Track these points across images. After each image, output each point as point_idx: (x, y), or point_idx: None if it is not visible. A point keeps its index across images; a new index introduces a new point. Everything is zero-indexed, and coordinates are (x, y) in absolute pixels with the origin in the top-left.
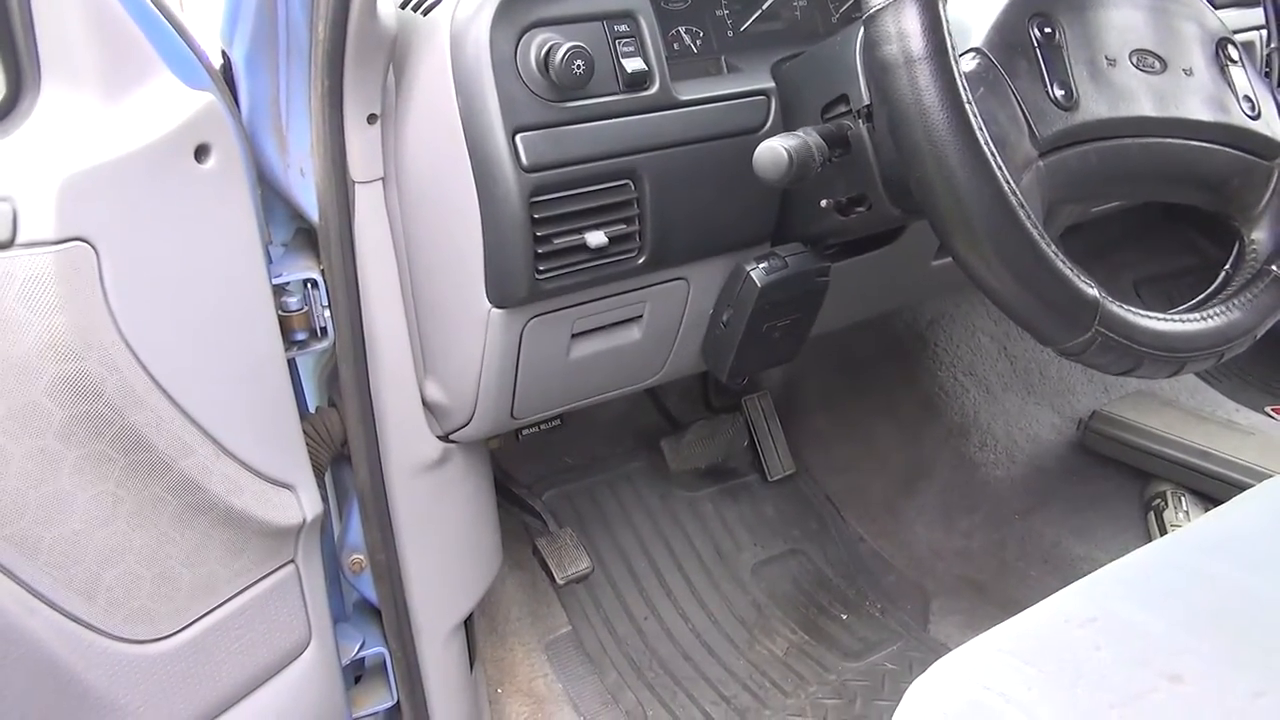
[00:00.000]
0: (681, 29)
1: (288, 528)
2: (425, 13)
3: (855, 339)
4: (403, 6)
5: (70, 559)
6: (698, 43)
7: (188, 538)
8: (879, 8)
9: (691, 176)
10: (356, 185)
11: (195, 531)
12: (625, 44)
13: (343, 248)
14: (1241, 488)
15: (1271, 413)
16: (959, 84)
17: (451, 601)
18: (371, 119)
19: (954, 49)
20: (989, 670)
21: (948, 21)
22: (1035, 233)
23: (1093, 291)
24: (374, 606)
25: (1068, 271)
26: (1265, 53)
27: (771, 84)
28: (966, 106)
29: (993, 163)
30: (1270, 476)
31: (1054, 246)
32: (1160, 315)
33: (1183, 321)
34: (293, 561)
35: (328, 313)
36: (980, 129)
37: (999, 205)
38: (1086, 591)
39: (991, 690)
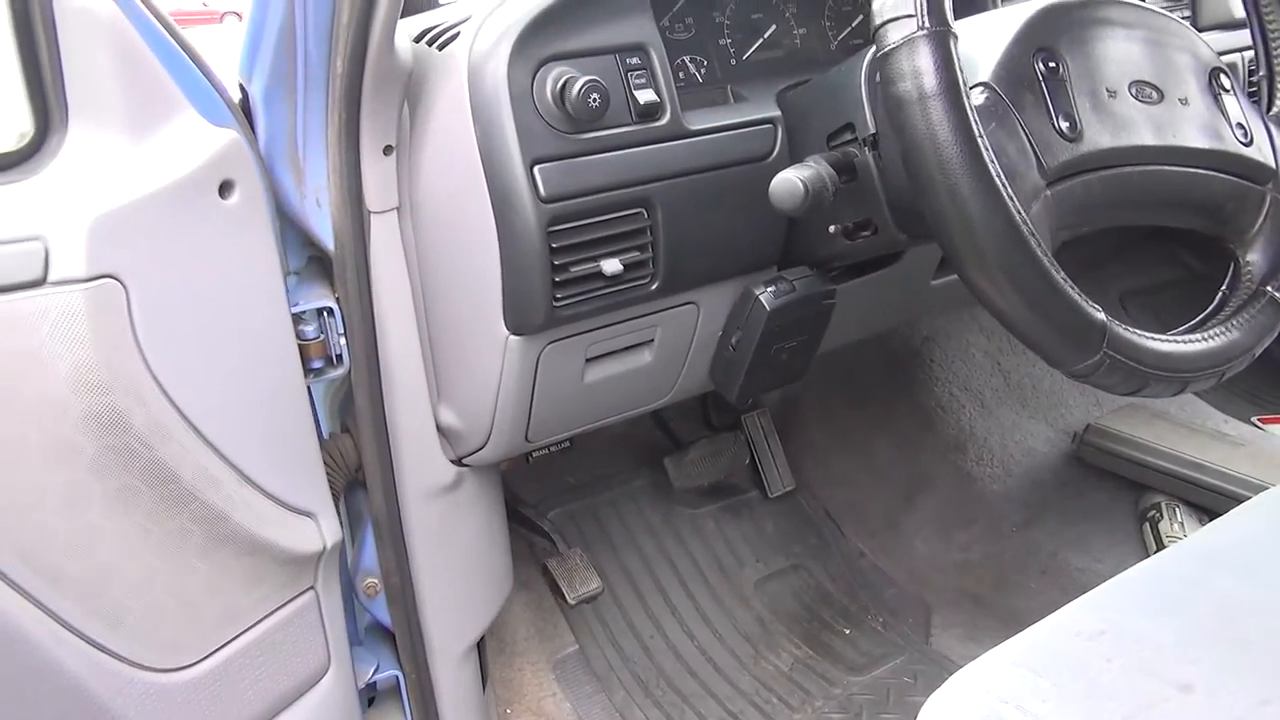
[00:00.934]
0: (687, 58)
1: (309, 555)
2: (441, 47)
3: (852, 356)
4: (417, 40)
5: (98, 589)
6: (702, 71)
7: (212, 567)
8: (894, 46)
9: (702, 204)
10: (372, 215)
11: (219, 561)
12: (637, 76)
13: (359, 276)
14: (1234, 498)
15: (1258, 423)
16: (971, 119)
17: (465, 623)
18: (387, 150)
19: (965, 85)
20: (1004, 683)
21: (959, 59)
22: (1046, 260)
23: (1100, 316)
24: (387, 630)
25: (1077, 297)
26: (1255, 79)
27: (777, 112)
28: (978, 140)
29: (1004, 194)
30: (1262, 486)
31: (1063, 273)
32: (1164, 336)
33: (1185, 342)
34: (313, 588)
35: (343, 340)
36: (992, 161)
37: (1011, 235)
38: (1094, 604)
39: (1008, 703)
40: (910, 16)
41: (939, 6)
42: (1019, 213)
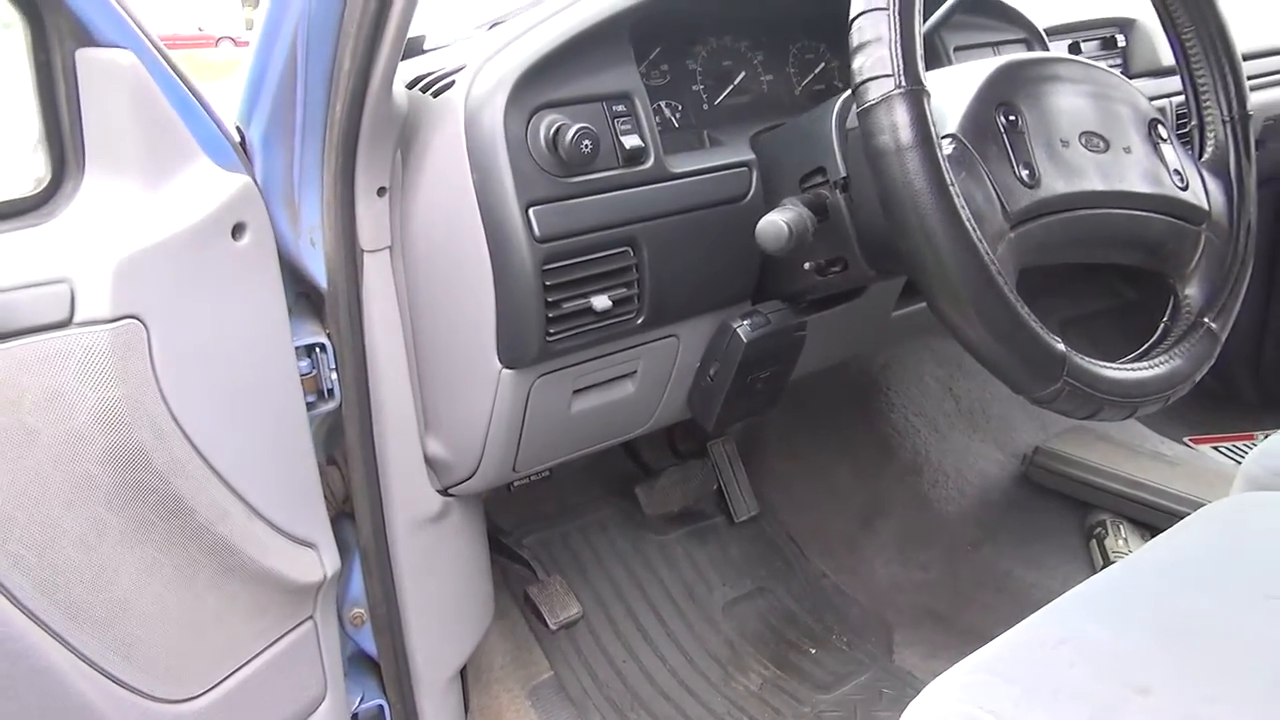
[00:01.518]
0: (663, 103)
1: (310, 585)
2: (436, 94)
3: (813, 384)
4: (410, 87)
5: (114, 622)
6: (678, 116)
7: (219, 598)
8: (874, 102)
9: (684, 242)
10: (365, 254)
11: (227, 592)
12: (623, 123)
13: (351, 313)
14: (1173, 514)
15: (1190, 443)
16: (943, 169)
17: (449, 651)
18: (381, 191)
19: (937, 138)
20: (978, 691)
21: (932, 114)
22: (1011, 297)
23: (1060, 347)
24: (371, 659)
25: (1040, 330)
26: (1187, 128)
27: (751, 155)
28: (950, 188)
29: (973, 236)
30: (1197, 502)
31: (1027, 308)
32: (1116, 365)
33: (1135, 370)
34: (312, 617)
35: (334, 375)
36: (962, 207)
37: (980, 274)
38: (1056, 615)
39: (982, 709)
40: (888, 76)
41: (914, 67)
42: (987, 253)
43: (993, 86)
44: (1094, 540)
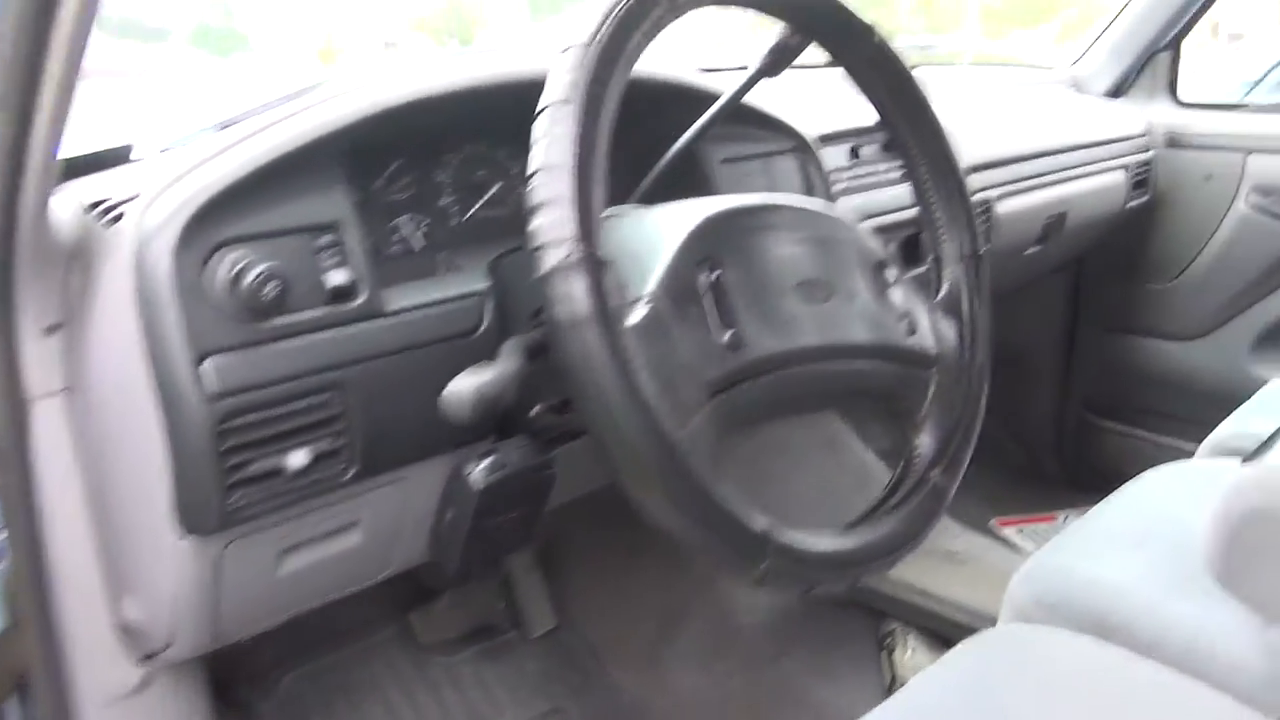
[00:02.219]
0: (405, 218)
1: None
2: (109, 224)
3: (610, 490)
4: (89, 210)
5: None
6: (422, 231)
7: None
8: (549, 270)
9: (403, 384)
10: (33, 400)
11: None
12: (330, 256)
13: (18, 468)
14: (953, 623)
15: (996, 526)
16: (621, 344)
17: None
18: (50, 329)
19: (614, 313)
20: None
21: (616, 281)
22: (705, 478)
23: (761, 524)
24: None
25: (736, 511)
26: (925, 265)
27: (488, 284)
28: (629, 364)
29: (657, 416)
30: (977, 611)
31: (724, 487)
32: (828, 534)
33: (849, 539)
34: None
35: (3, 535)
36: (645, 385)
37: (666, 456)
38: None
39: None
40: (564, 241)
41: (591, 232)
42: (674, 431)
43: (695, 242)
44: (885, 651)
